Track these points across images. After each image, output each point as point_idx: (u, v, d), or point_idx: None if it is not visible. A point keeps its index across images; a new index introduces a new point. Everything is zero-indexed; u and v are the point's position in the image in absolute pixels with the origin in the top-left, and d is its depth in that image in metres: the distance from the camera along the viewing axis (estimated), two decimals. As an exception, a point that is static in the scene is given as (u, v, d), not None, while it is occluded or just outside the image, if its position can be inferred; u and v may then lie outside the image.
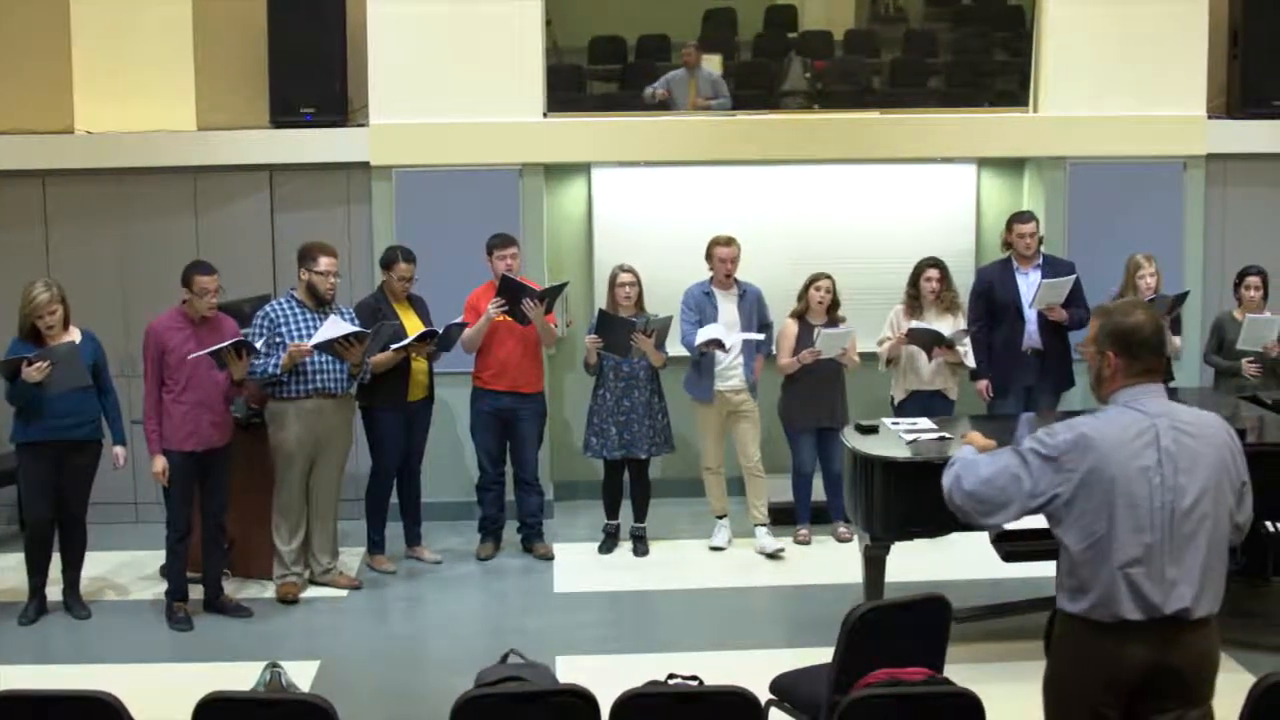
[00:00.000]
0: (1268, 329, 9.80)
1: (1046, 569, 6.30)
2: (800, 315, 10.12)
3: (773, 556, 9.88)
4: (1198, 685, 4.66)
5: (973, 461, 4.93)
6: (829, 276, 10.06)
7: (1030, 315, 10.09)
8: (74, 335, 8.64)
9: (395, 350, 9.28)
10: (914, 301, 10.16)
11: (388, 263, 9.60)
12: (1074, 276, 10.00)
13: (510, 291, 9.48)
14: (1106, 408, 4.78)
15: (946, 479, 4.95)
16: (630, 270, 9.92)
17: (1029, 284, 10.06)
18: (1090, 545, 4.64)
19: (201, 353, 8.47)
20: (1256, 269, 10.07)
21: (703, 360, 9.86)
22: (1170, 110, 11.00)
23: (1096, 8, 10.96)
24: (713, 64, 11.32)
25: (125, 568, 9.77)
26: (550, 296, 9.72)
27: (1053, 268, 10.13)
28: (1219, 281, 11.07)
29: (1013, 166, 11.53)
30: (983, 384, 10.20)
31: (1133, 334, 4.73)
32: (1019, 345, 10.14)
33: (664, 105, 11.20)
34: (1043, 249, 10.27)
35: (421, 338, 9.34)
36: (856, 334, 10.09)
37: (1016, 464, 4.74)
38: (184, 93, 10.80)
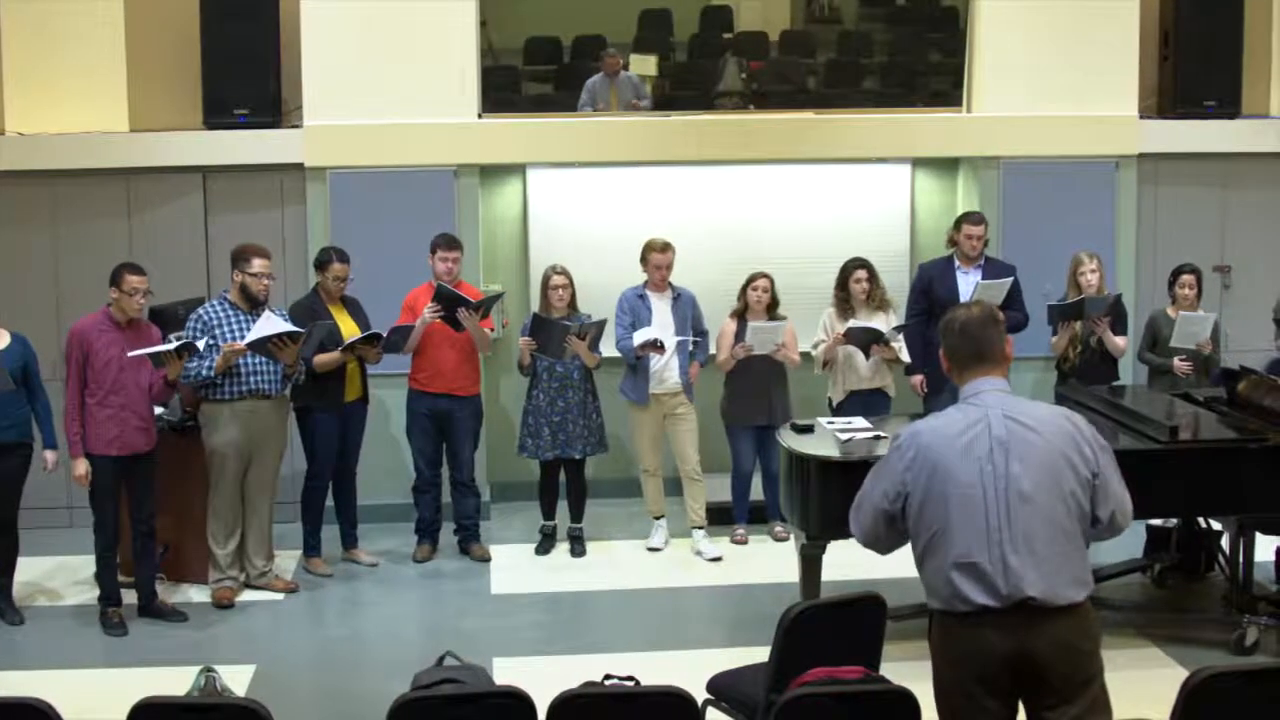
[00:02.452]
0: (1200, 326, 9.88)
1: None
2: (740, 314, 10.13)
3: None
4: (1068, 674, 4.66)
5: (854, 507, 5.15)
6: (767, 276, 10.08)
7: (968, 314, 10.08)
8: (3, 338, 8.55)
9: (342, 351, 9.26)
10: (844, 304, 10.17)
11: (322, 263, 9.55)
12: (1012, 279, 10.05)
13: (446, 301, 9.46)
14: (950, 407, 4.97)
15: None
16: (563, 272, 9.89)
17: (969, 283, 10.05)
18: (931, 539, 4.78)
19: (141, 352, 8.39)
20: (1191, 267, 10.14)
21: (639, 363, 9.86)
22: (1103, 110, 11.09)
23: (1029, 9, 11.03)
24: (648, 64, 11.32)
25: (58, 572, 9.66)
26: (485, 307, 9.71)
27: (994, 270, 10.15)
28: (1151, 280, 11.17)
29: (947, 166, 11.59)
30: (918, 379, 10.22)
31: (944, 328, 4.97)
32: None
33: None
34: (985, 250, 10.29)
35: (367, 339, 9.31)
36: (795, 330, 10.11)
37: (870, 475, 4.99)
38: (116, 94, 10.68)
